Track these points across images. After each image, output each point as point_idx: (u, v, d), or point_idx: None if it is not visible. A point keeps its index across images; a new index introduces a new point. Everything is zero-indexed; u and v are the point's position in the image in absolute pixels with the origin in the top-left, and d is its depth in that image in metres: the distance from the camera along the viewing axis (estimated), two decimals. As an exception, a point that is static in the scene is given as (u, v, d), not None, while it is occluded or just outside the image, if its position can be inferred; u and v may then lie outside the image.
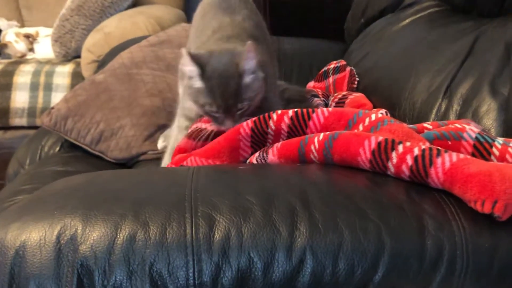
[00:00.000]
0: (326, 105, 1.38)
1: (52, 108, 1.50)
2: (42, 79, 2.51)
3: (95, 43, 2.36)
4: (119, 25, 2.40)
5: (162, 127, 1.44)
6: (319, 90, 1.50)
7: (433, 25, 1.31)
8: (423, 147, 0.72)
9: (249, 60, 1.05)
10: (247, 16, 1.26)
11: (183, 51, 1.04)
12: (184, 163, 1.00)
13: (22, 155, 1.56)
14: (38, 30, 2.89)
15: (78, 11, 2.57)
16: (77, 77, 2.48)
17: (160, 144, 1.39)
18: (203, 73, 1.05)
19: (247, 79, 1.06)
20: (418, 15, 1.41)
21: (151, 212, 0.64)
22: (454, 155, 0.70)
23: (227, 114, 1.06)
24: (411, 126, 0.91)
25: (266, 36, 1.32)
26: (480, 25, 1.17)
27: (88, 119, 1.44)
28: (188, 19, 2.85)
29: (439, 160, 0.69)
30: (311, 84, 1.61)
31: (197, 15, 1.34)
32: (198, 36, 1.26)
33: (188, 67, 1.06)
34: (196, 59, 1.05)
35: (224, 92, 1.05)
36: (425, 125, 0.92)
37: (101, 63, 1.91)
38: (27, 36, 2.83)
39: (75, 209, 0.65)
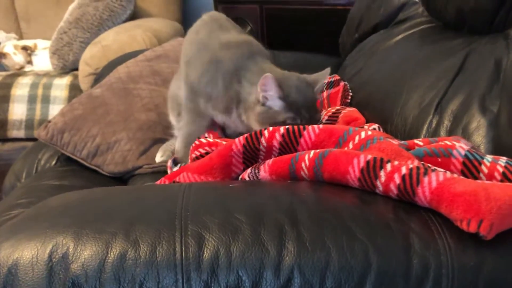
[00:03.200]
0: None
1: (49, 121, 1.51)
2: (40, 91, 2.52)
3: (92, 56, 2.37)
4: (116, 38, 2.42)
5: (158, 141, 1.46)
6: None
7: (425, 41, 1.33)
8: (410, 166, 0.73)
9: (323, 83, 1.19)
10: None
11: (269, 76, 1.10)
12: (177, 178, 1.01)
13: (19, 168, 1.57)
14: (36, 43, 2.91)
15: (76, 24, 2.59)
16: (74, 89, 2.50)
17: (158, 158, 1.40)
18: (285, 94, 1.13)
19: (317, 96, 1.19)
20: (410, 31, 1.42)
21: (142, 230, 0.65)
22: (441, 174, 0.71)
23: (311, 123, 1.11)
24: (402, 142, 0.92)
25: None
26: (470, 42, 1.19)
27: (84, 133, 1.45)
28: (186, 32, 2.86)
29: (426, 179, 0.70)
30: (305, 98, 1.62)
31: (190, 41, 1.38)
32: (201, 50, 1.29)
33: (271, 91, 1.12)
34: (278, 82, 1.12)
35: (309, 106, 1.15)
36: (416, 141, 0.93)
37: (99, 77, 1.92)
38: (25, 49, 2.84)
39: (67, 228, 0.66)
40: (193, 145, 1.11)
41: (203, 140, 1.10)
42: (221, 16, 1.39)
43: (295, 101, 1.14)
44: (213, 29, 1.31)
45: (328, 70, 1.20)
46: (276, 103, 1.14)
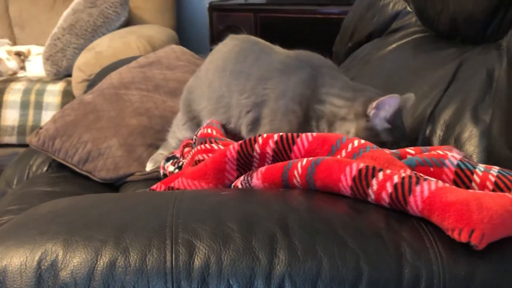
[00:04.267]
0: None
1: (40, 128, 1.50)
2: (32, 97, 2.52)
3: (86, 62, 2.37)
4: (110, 45, 2.42)
5: (150, 147, 1.45)
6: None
7: (418, 51, 1.33)
8: (403, 175, 0.73)
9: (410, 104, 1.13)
10: None
11: (396, 98, 1.07)
12: (172, 184, 1.01)
13: (10, 174, 1.56)
14: (30, 48, 2.91)
15: (70, 30, 2.59)
16: (67, 95, 2.49)
17: (149, 168, 1.39)
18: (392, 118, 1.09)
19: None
20: (403, 41, 1.43)
21: (132, 238, 0.64)
22: (433, 184, 0.71)
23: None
24: (393, 151, 0.92)
25: None
26: (463, 52, 1.20)
27: (75, 139, 1.44)
28: (180, 39, 2.87)
29: (418, 189, 0.70)
30: (299, 107, 1.62)
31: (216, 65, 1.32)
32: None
33: (387, 113, 1.09)
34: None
35: (401, 132, 1.11)
36: (408, 150, 0.93)
37: (92, 83, 1.92)
38: (18, 54, 2.84)
39: (56, 235, 0.65)
40: (197, 149, 1.10)
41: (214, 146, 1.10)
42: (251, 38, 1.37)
43: (397, 126, 1.10)
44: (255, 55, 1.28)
45: (412, 95, 1.13)
46: (381, 123, 1.10)
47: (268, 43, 1.32)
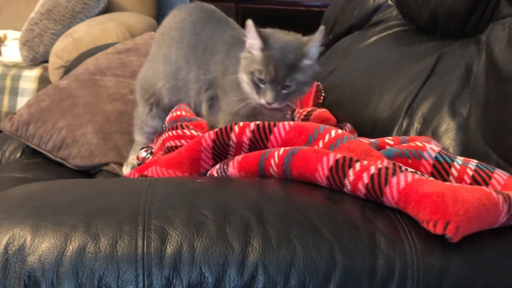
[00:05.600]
0: (293, 119, 1.39)
1: (14, 113, 1.48)
2: (8, 82, 2.47)
3: (63, 48, 2.33)
4: (88, 31, 2.38)
5: (126, 134, 1.42)
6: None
7: (398, 44, 1.33)
8: (379, 166, 0.73)
9: (316, 44, 1.08)
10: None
11: (249, 22, 1.05)
12: (146, 172, 0.99)
13: (-18, 160, 1.53)
14: (6, 33, 2.85)
15: (47, 15, 2.54)
16: (44, 82, 2.45)
17: (125, 172, 1.35)
18: (265, 46, 1.06)
19: (306, 62, 1.08)
20: (384, 34, 1.43)
21: (103, 224, 0.63)
22: (410, 175, 0.71)
23: (272, 85, 1.06)
24: (372, 140, 0.92)
25: None
26: (442, 46, 1.20)
27: (50, 125, 1.42)
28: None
29: (394, 180, 0.70)
30: (278, 97, 1.61)
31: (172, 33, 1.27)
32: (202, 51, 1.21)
33: (251, 39, 1.07)
34: (260, 32, 1.06)
35: (279, 63, 1.05)
36: (387, 140, 0.93)
37: (68, 69, 1.89)
38: (-6, 39, 2.79)
39: (25, 219, 0.63)
40: (168, 135, 1.08)
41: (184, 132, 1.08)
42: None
43: (270, 55, 1.06)
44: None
45: (322, 29, 1.09)
46: (255, 53, 1.08)
47: (223, 14, 1.29)
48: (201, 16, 1.25)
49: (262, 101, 1.07)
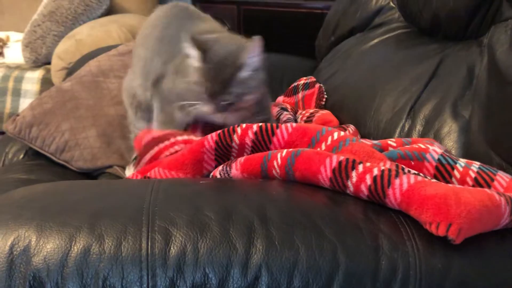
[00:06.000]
0: (295, 120, 1.39)
1: (17, 115, 1.48)
2: (10, 84, 2.47)
3: (66, 50, 2.34)
4: (91, 33, 2.39)
5: (129, 138, 1.43)
6: (287, 104, 1.51)
7: (400, 46, 1.34)
8: (382, 167, 0.73)
9: (253, 54, 1.04)
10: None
11: (186, 36, 1.04)
12: (148, 174, 1.00)
13: (-15, 161, 1.53)
14: (9, 35, 2.86)
15: (50, 17, 2.55)
16: (46, 83, 2.45)
17: (128, 174, 1.36)
18: (204, 57, 1.04)
19: (244, 73, 1.05)
20: (386, 36, 1.43)
21: (107, 225, 0.63)
22: (412, 177, 0.71)
23: (211, 100, 1.05)
24: (375, 142, 0.92)
25: None
26: (444, 48, 1.20)
27: (53, 127, 1.42)
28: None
29: (397, 181, 0.70)
30: (280, 98, 1.61)
31: (147, 30, 1.29)
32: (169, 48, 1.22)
33: (190, 51, 1.05)
34: (198, 44, 1.04)
35: (216, 77, 1.04)
36: (389, 142, 0.93)
37: (70, 71, 1.89)
38: (-3, 40, 2.79)
39: (30, 220, 0.64)
40: (168, 143, 1.09)
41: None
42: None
43: (207, 70, 1.04)
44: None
45: (257, 38, 1.04)
46: (195, 63, 1.06)
47: (196, 10, 1.29)
48: (172, 11, 1.26)
49: (205, 109, 1.07)
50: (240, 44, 1.07)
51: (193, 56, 1.06)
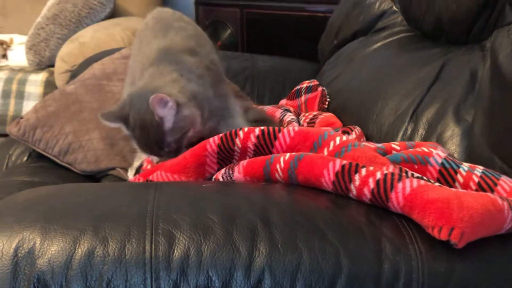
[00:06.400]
0: (298, 122, 1.40)
1: (21, 118, 1.48)
2: (14, 86, 2.48)
3: (69, 53, 2.34)
4: (94, 36, 2.39)
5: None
6: (290, 107, 1.52)
7: (402, 50, 1.34)
8: (385, 171, 0.73)
9: (161, 108, 1.04)
10: (180, 28, 1.27)
11: (99, 116, 1.08)
12: (150, 177, 1.00)
13: (-12, 163, 1.54)
14: (13, 37, 2.87)
15: (54, 20, 2.55)
16: (50, 86, 2.46)
17: (131, 176, 1.37)
18: (127, 125, 1.09)
19: (168, 124, 1.07)
20: (389, 39, 1.43)
21: (111, 227, 0.63)
22: (415, 181, 0.71)
23: (156, 155, 1.09)
24: (379, 145, 0.92)
25: (206, 43, 1.32)
26: (447, 52, 1.20)
27: (57, 130, 1.42)
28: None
29: (400, 185, 0.71)
30: (283, 101, 1.62)
31: (135, 42, 1.35)
32: (134, 65, 1.26)
33: (112, 125, 1.10)
34: (115, 116, 1.09)
35: (147, 141, 1.08)
36: (393, 145, 0.93)
37: (74, 74, 1.90)
38: (0, 43, 2.80)
39: (34, 223, 0.64)
40: None
41: None
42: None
43: (135, 137, 1.09)
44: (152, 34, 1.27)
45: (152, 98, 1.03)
46: (125, 131, 1.12)
47: (177, 19, 1.31)
48: (150, 22, 1.32)
49: (154, 160, 1.13)
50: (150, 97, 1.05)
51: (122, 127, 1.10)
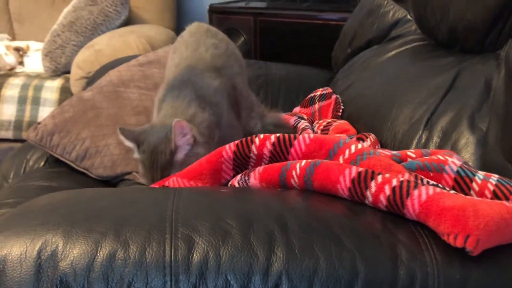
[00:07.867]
0: (312, 129, 1.41)
1: (39, 123, 1.50)
2: (30, 93, 2.51)
3: (85, 60, 2.37)
4: (110, 43, 2.42)
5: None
6: (304, 115, 1.53)
7: (417, 59, 1.35)
8: (401, 178, 0.74)
9: (181, 136, 1.09)
10: (211, 45, 1.31)
11: (118, 129, 1.13)
12: (166, 183, 1.01)
13: (7, 168, 1.56)
14: (29, 44, 2.90)
15: (70, 27, 2.58)
16: (65, 92, 2.49)
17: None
18: (139, 150, 1.12)
19: (181, 154, 1.11)
20: (403, 48, 1.44)
21: (132, 231, 0.65)
22: (431, 188, 0.72)
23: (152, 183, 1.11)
24: (394, 153, 0.93)
25: (234, 64, 1.36)
26: (462, 61, 1.21)
27: (74, 135, 1.44)
28: (179, 39, 2.87)
29: (416, 192, 0.71)
30: (297, 109, 1.63)
31: (170, 51, 1.40)
32: (167, 72, 1.33)
33: (126, 142, 1.14)
34: (132, 136, 1.12)
35: (152, 168, 1.11)
36: (409, 153, 0.94)
37: (90, 80, 1.92)
38: (17, 49, 2.83)
39: (57, 226, 0.66)
40: None
41: None
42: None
43: (143, 161, 1.13)
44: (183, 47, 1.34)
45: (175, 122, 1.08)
46: (135, 154, 1.15)
47: (203, 37, 1.35)
48: (185, 35, 1.38)
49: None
50: (169, 128, 1.10)
51: (133, 148, 1.14)
